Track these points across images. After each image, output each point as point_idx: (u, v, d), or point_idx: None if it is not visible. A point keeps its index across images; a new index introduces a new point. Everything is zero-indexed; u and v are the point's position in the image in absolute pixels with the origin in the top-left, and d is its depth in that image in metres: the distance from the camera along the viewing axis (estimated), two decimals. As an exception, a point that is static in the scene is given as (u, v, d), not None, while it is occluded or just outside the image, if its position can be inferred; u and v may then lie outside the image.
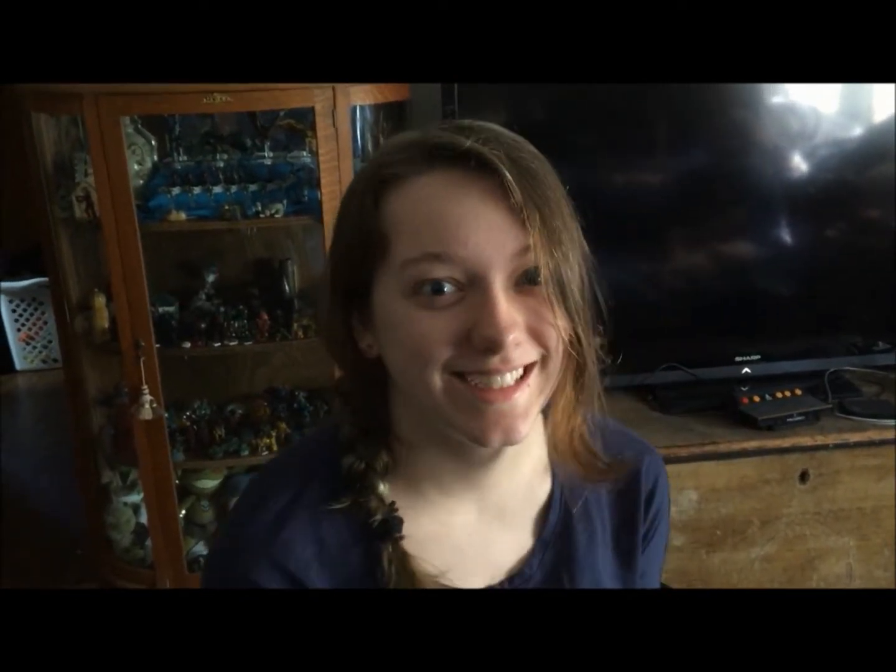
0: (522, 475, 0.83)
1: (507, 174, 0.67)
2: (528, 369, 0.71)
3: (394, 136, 0.76)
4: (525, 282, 0.69)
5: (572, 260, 0.71)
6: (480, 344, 0.67)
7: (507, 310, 0.68)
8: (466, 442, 0.73)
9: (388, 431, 0.79)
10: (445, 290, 0.68)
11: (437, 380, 0.70)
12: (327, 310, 0.78)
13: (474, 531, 0.81)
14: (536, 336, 0.70)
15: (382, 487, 0.77)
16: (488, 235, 0.67)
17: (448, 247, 0.67)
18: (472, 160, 0.68)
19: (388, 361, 0.75)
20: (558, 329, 0.70)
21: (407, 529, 0.76)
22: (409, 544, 0.76)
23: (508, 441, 0.71)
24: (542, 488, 0.85)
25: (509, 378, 0.70)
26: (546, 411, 0.80)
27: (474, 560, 0.80)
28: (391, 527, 0.76)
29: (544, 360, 0.71)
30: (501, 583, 0.81)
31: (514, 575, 0.82)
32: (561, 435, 0.82)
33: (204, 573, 0.81)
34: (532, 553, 0.83)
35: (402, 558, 0.75)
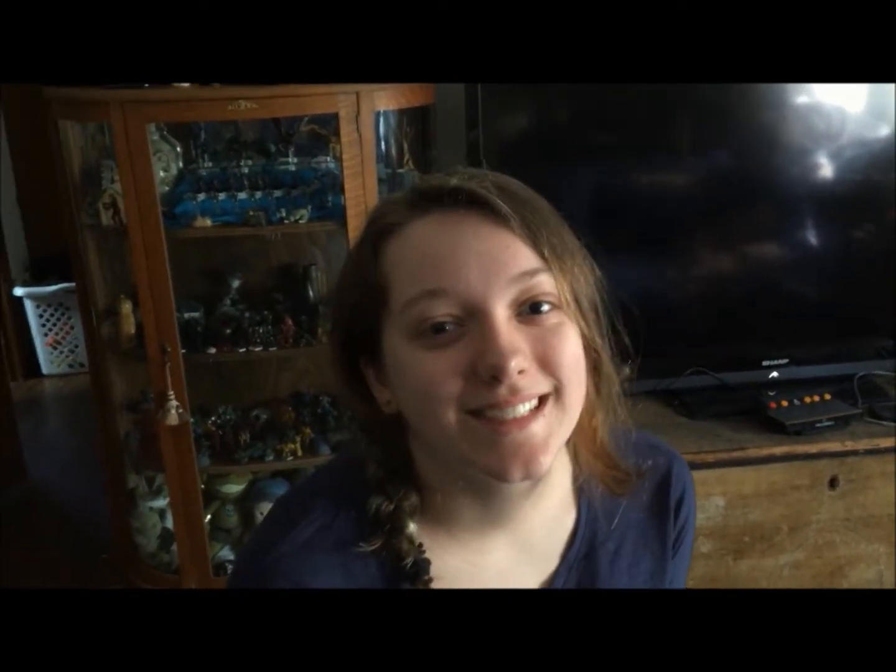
0: (549, 508, 0.82)
1: (500, 202, 0.69)
2: (542, 401, 0.70)
3: (385, 196, 0.79)
4: (529, 311, 0.70)
5: (580, 276, 0.73)
6: (485, 373, 0.67)
7: (509, 336, 0.67)
8: (489, 481, 0.72)
9: (413, 476, 0.78)
10: (447, 327, 0.69)
11: (452, 419, 0.69)
12: (338, 369, 0.78)
13: (503, 567, 0.80)
14: (545, 365, 0.69)
15: (412, 528, 0.76)
16: (480, 265, 0.68)
17: (442, 282, 0.68)
18: (462, 196, 0.70)
19: (404, 409, 0.74)
20: (570, 357, 0.70)
21: (436, 569, 0.76)
22: (437, 584, 0.76)
23: (529, 474, 0.69)
24: (569, 517, 0.84)
25: (521, 409, 0.69)
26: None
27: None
28: (420, 569, 0.75)
29: (558, 392, 0.70)
30: None
31: None
32: (583, 437, 0.80)
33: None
34: (556, 575, 0.83)
35: None
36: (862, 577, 1.89)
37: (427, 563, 0.75)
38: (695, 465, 1.80)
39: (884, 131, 1.96)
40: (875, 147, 1.96)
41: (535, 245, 0.70)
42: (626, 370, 0.80)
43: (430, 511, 0.77)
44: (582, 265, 0.74)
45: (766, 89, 1.91)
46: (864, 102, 1.95)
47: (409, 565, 0.75)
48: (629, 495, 0.84)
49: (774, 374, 2.02)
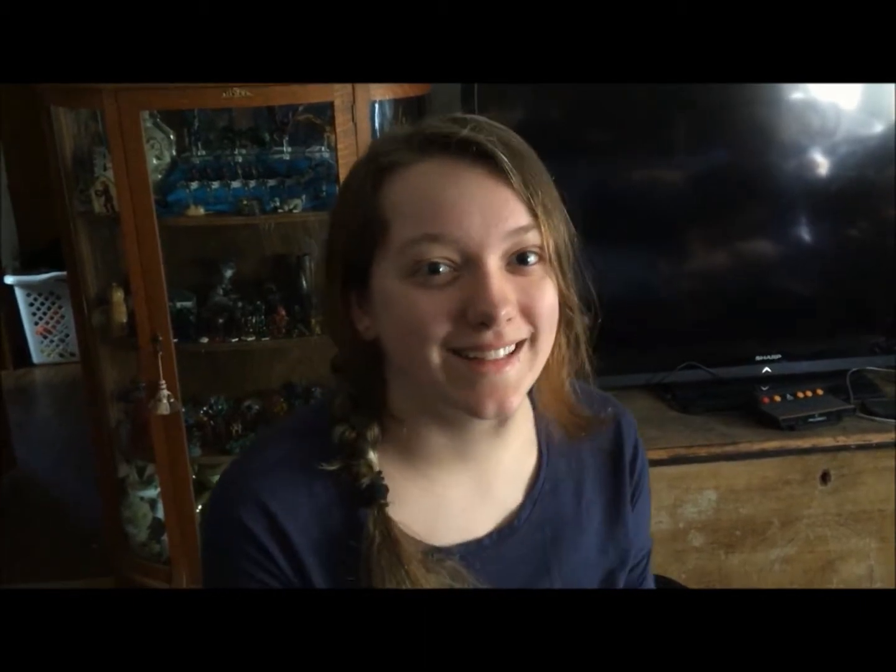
0: (512, 448, 0.87)
1: (505, 158, 0.73)
2: (518, 345, 0.75)
3: (390, 129, 0.81)
4: (516, 262, 0.74)
5: (563, 233, 0.77)
6: (475, 319, 0.72)
7: (500, 286, 0.72)
8: (461, 416, 0.78)
9: (382, 407, 0.82)
10: (441, 269, 0.73)
11: (436, 356, 0.73)
12: (324, 294, 0.82)
13: (466, 504, 0.84)
14: (527, 314, 0.74)
15: (371, 455, 0.80)
16: (482, 217, 0.72)
17: (445, 227, 0.72)
18: (471, 147, 0.73)
19: (385, 341, 0.78)
20: (547, 307, 0.75)
21: (397, 499, 0.79)
22: (397, 512, 0.79)
23: (501, 412, 0.75)
24: (530, 458, 0.89)
25: (502, 352, 0.74)
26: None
27: (464, 524, 0.84)
28: (376, 492, 0.79)
29: (533, 338, 0.76)
30: (490, 533, 0.85)
31: (503, 527, 0.86)
32: (550, 385, 0.86)
33: (202, 517, 0.84)
34: (521, 508, 0.87)
35: (386, 523, 0.78)
36: (853, 572, 1.90)
37: (384, 488, 0.79)
38: (687, 459, 1.81)
39: (878, 128, 1.96)
40: (870, 144, 1.96)
41: (531, 203, 0.74)
42: (587, 320, 0.85)
43: (396, 442, 0.82)
44: (565, 223, 0.79)
45: (761, 86, 1.91)
46: (859, 99, 1.95)
47: (364, 486, 0.78)
48: (588, 439, 0.90)
49: (767, 369, 2.02)
